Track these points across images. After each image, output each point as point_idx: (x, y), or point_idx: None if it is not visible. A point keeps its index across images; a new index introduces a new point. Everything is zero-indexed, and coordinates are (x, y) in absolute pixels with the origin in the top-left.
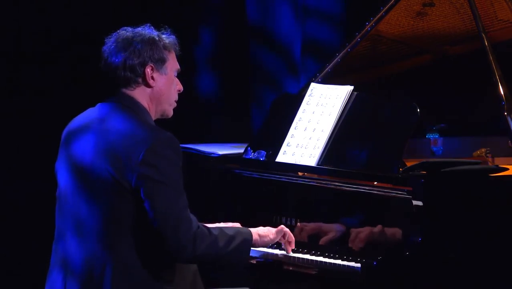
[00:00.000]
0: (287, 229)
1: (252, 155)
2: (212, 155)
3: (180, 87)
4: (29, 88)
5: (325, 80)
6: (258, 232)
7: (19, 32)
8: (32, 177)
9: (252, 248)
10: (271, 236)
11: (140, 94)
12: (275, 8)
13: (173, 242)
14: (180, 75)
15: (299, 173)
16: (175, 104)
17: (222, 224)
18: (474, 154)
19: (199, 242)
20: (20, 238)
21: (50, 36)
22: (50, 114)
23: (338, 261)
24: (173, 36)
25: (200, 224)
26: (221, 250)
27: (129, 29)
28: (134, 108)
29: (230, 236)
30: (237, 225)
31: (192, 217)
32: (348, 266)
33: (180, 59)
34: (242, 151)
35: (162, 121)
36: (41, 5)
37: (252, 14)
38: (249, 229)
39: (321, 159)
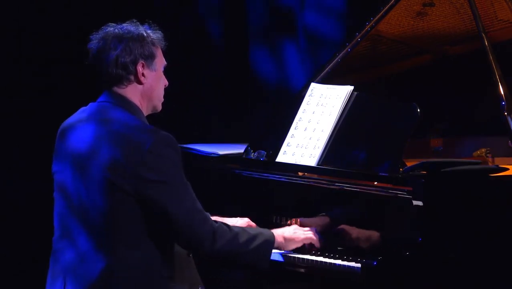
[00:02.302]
0: (315, 239)
1: (252, 155)
2: (212, 155)
3: (166, 82)
4: (29, 88)
5: (325, 80)
6: (283, 234)
7: (19, 32)
8: (32, 177)
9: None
10: (298, 240)
11: (131, 92)
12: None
13: (191, 236)
14: (180, 76)
15: (299, 173)
16: (163, 99)
17: (238, 219)
18: (474, 154)
19: (218, 237)
20: (20, 238)
21: (50, 36)
22: (50, 114)
23: (338, 261)
24: (160, 32)
25: (219, 221)
26: (241, 247)
27: (115, 25)
28: (127, 108)
29: (251, 235)
30: (247, 220)
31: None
32: (348, 266)
33: (180, 59)
34: (242, 151)
35: (162, 121)
36: (41, 5)
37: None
38: (274, 230)
39: (321, 159)
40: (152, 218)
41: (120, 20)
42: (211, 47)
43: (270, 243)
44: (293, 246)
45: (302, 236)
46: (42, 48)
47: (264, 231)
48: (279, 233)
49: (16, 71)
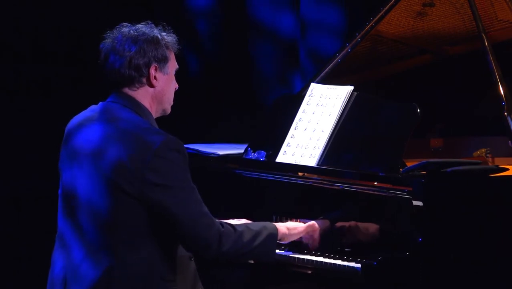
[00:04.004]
0: (316, 226)
1: (252, 155)
2: (212, 155)
3: (176, 86)
4: (29, 88)
5: (325, 80)
6: (286, 225)
7: (19, 32)
8: (32, 177)
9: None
10: (300, 229)
11: (142, 94)
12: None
13: (197, 240)
14: (181, 76)
15: (299, 173)
16: (172, 102)
17: (236, 220)
18: (474, 154)
19: (224, 240)
20: (20, 238)
21: (50, 36)
22: (50, 114)
23: (338, 261)
24: (174, 35)
25: (224, 222)
26: (246, 246)
27: (130, 26)
28: (136, 110)
29: (255, 232)
30: (244, 220)
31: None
32: (348, 266)
33: (179, 58)
34: (242, 151)
35: (162, 121)
36: (41, 5)
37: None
38: (277, 223)
39: (321, 159)
40: (154, 220)
41: (120, 20)
42: (211, 43)
43: (274, 236)
44: (296, 236)
45: (305, 226)
46: (42, 48)
47: (268, 224)
48: (282, 225)
49: (16, 71)
